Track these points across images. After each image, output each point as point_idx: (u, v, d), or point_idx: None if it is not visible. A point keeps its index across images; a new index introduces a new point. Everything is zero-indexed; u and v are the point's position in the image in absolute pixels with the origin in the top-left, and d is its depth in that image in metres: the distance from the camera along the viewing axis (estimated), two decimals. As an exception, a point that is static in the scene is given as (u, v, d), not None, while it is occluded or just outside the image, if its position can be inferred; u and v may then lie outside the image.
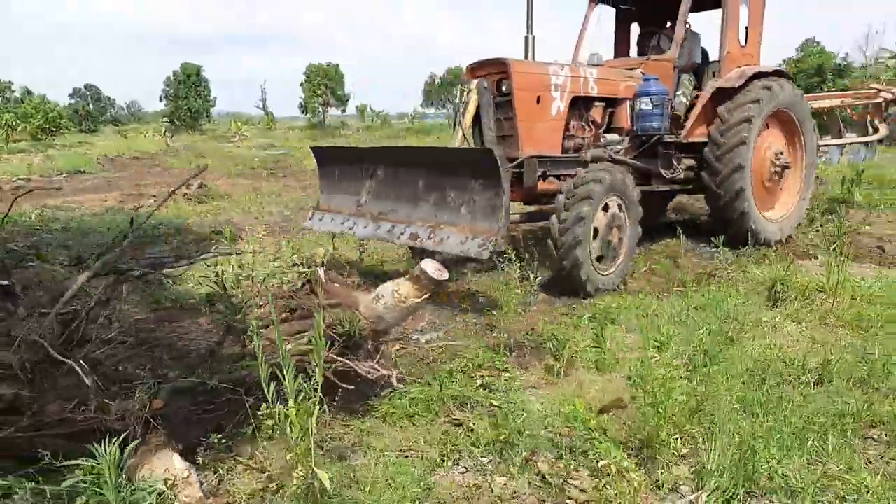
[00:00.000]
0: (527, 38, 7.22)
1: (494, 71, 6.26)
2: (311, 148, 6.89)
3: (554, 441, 3.35)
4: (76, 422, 3.02)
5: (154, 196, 12.35)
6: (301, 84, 51.60)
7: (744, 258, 7.05)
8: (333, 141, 29.70)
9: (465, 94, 6.14)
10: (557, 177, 6.40)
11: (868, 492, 2.79)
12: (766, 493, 2.83)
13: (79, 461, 2.53)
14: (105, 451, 2.42)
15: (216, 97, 50.28)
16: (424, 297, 3.57)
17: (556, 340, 4.38)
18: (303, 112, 51.02)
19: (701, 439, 3.20)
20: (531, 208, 6.89)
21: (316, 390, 2.69)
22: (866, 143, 10.07)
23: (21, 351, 3.14)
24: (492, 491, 2.92)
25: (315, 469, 2.67)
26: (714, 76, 7.70)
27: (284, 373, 2.71)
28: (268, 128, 38.16)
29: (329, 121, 48.46)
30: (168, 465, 3.01)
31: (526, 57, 7.19)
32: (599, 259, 5.89)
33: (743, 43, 7.73)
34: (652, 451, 3.08)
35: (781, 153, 7.79)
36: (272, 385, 2.68)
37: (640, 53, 8.49)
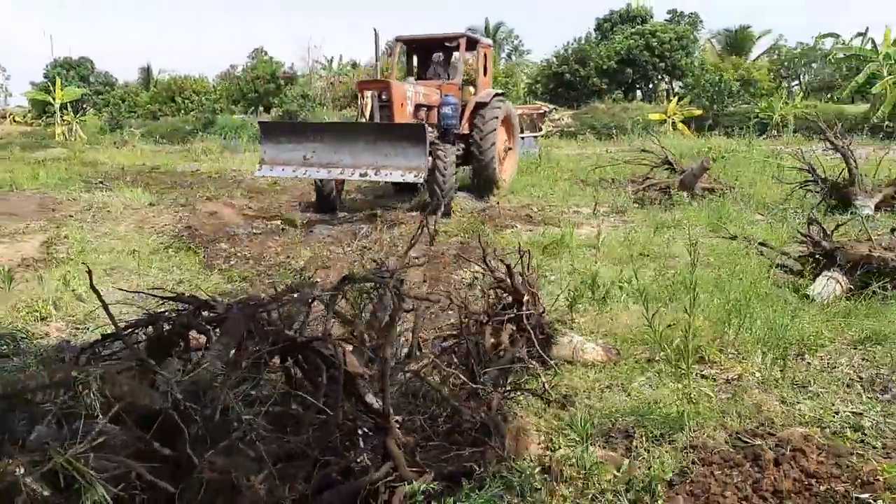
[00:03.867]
0: (376, 64, 12.01)
1: (379, 87, 10.44)
2: (259, 123, 11.70)
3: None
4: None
5: None
6: None
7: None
8: None
9: (363, 99, 10.34)
10: None
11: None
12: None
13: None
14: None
15: None
16: (599, 360, 4.56)
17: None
18: None
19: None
20: None
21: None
22: (535, 137, 17.09)
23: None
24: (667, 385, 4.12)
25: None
26: (471, 94, 12.30)
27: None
28: None
29: None
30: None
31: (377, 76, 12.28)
32: None
33: (484, 74, 12.70)
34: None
35: (507, 141, 13.16)
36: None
37: (419, 73, 12.99)
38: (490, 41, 13.60)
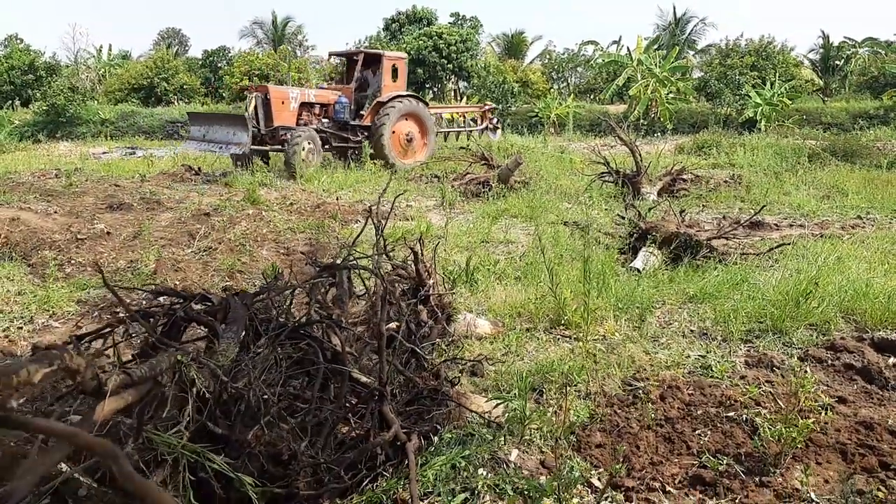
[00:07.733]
0: (288, 74, 18.13)
1: (261, 91, 14.85)
2: (188, 113, 16.83)
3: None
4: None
5: None
6: None
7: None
8: None
9: (249, 99, 14.77)
10: (284, 135, 14.63)
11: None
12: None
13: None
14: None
15: None
16: (489, 333, 5.08)
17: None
18: None
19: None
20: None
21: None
22: (492, 130, 20.50)
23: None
24: (549, 348, 4.88)
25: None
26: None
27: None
28: None
29: None
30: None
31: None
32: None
33: (393, 80, 16.59)
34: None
35: (410, 133, 16.73)
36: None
37: (349, 79, 17.03)
38: (401, 54, 17.89)
